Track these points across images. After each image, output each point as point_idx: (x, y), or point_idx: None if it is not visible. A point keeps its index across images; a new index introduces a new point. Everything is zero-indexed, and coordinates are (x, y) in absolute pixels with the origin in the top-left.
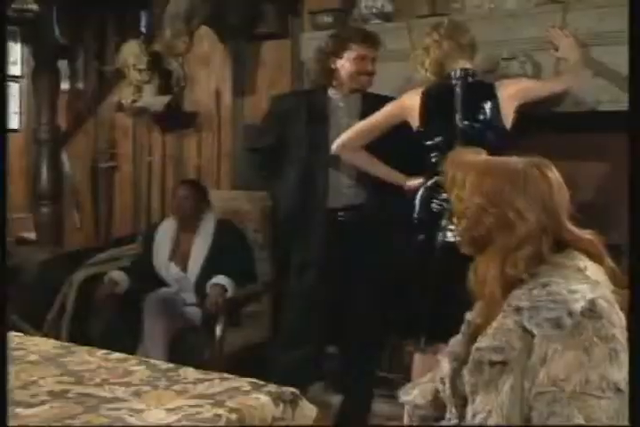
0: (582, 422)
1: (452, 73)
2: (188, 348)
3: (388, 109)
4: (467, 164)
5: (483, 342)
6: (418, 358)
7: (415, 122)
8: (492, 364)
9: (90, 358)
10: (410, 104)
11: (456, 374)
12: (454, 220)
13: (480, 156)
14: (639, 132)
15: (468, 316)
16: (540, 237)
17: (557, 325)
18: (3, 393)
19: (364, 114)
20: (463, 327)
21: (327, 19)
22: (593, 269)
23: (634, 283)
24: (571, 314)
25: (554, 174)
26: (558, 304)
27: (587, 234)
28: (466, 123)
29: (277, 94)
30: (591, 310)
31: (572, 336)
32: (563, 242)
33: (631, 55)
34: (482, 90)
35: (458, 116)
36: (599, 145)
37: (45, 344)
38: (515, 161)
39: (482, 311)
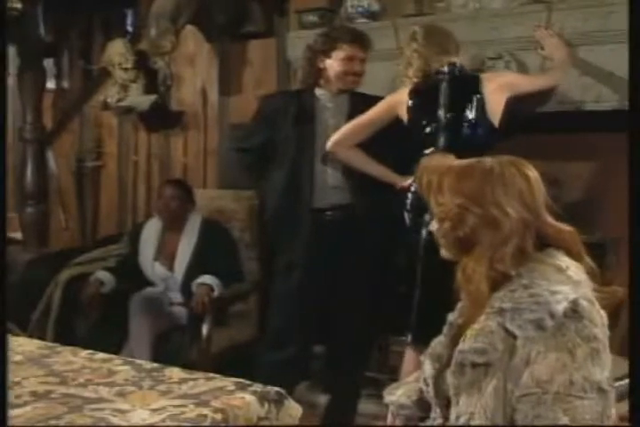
0: (567, 423)
1: (441, 68)
2: (174, 348)
3: (380, 105)
4: (441, 168)
5: (465, 344)
6: (408, 357)
7: (405, 117)
8: (475, 366)
9: (74, 359)
10: (400, 99)
11: (439, 376)
12: (435, 224)
13: (451, 160)
14: (639, 131)
15: (451, 317)
16: (523, 233)
17: (539, 326)
18: (2, 393)
19: (351, 114)
20: (445, 329)
21: (313, 18)
22: (574, 269)
23: (634, 283)
24: (552, 315)
25: (531, 171)
26: (540, 306)
27: (567, 227)
28: (449, 116)
29: (266, 94)
30: (573, 311)
31: (555, 338)
32: (545, 239)
33: (631, 55)
34: (467, 83)
35: (442, 111)
36: (584, 145)
37: (29, 344)
38: (490, 160)
39: (465, 312)
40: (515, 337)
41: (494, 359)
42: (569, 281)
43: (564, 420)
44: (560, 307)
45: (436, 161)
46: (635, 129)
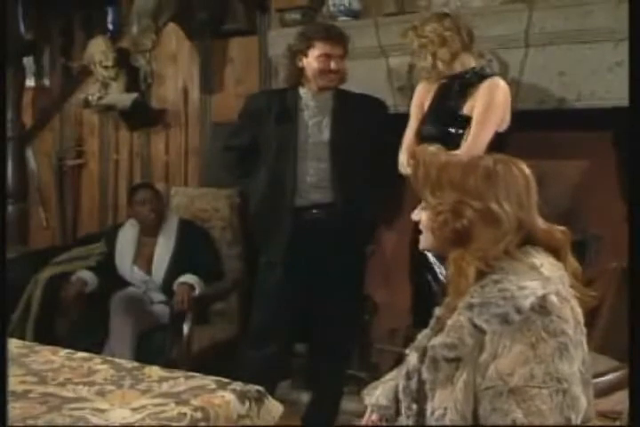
0: (520, 416)
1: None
2: (156, 346)
3: None
4: (440, 162)
5: (437, 339)
6: None
7: None
8: (448, 360)
9: (53, 358)
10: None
11: (421, 369)
12: (428, 215)
13: (448, 153)
14: (637, 131)
15: (437, 311)
16: (517, 232)
17: (505, 320)
18: (3, 393)
19: (335, 112)
20: (431, 322)
21: (295, 16)
22: (548, 266)
23: (634, 282)
24: (519, 310)
25: (528, 170)
26: (507, 300)
27: (557, 231)
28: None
29: (252, 93)
30: (541, 306)
31: (521, 332)
32: (532, 239)
33: (631, 53)
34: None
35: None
36: (565, 143)
37: (8, 344)
38: (491, 159)
39: (450, 307)
40: (484, 332)
41: (464, 354)
42: (539, 277)
43: (518, 413)
44: (527, 302)
45: (431, 153)
46: (634, 128)
